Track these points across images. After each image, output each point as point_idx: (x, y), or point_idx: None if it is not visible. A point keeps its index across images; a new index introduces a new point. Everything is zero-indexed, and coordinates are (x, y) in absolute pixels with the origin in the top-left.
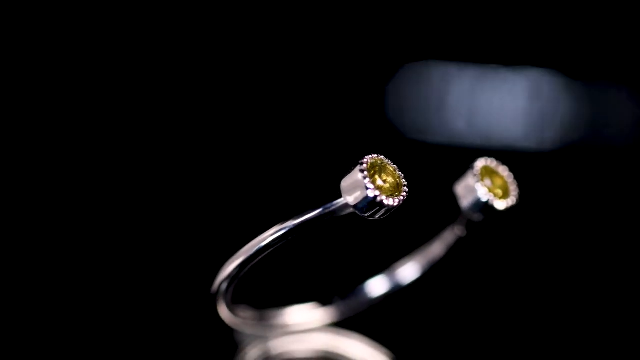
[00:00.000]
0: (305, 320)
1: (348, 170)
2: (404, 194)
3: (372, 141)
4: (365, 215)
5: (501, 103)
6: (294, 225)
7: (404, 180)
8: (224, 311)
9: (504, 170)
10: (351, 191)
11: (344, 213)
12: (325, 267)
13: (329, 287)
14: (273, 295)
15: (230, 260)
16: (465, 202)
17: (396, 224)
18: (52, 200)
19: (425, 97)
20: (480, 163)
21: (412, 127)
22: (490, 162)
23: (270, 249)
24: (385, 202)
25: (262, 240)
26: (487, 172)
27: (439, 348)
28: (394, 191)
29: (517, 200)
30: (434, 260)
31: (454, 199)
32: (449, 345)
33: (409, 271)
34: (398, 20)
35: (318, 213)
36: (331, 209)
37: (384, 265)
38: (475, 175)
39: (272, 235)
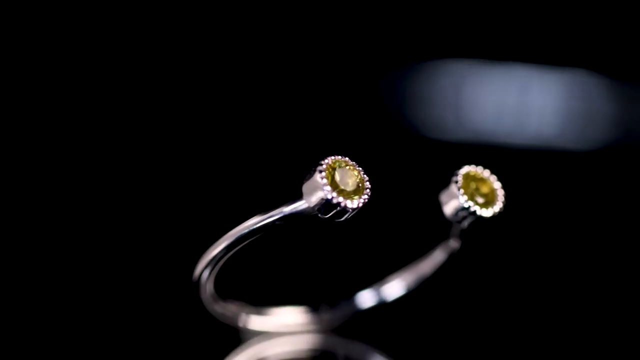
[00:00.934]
0: (289, 322)
1: (309, 171)
2: (366, 196)
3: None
4: (326, 217)
5: (538, 102)
6: (253, 226)
7: (367, 182)
8: (206, 300)
9: (491, 178)
10: (310, 193)
11: (307, 214)
12: (327, 272)
13: (325, 292)
14: (264, 294)
15: (210, 249)
16: (447, 209)
17: (410, 225)
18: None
19: (457, 96)
20: (463, 170)
21: (437, 125)
22: (477, 169)
23: (235, 249)
24: (343, 203)
25: (229, 237)
26: (472, 179)
27: (433, 350)
28: (355, 193)
29: (502, 208)
30: (423, 278)
31: None
32: (443, 348)
33: (395, 288)
34: (422, 18)
35: (278, 214)
36: (292, 210)
37: (390, 270)
38: (457, 182)
39: (233, 235)
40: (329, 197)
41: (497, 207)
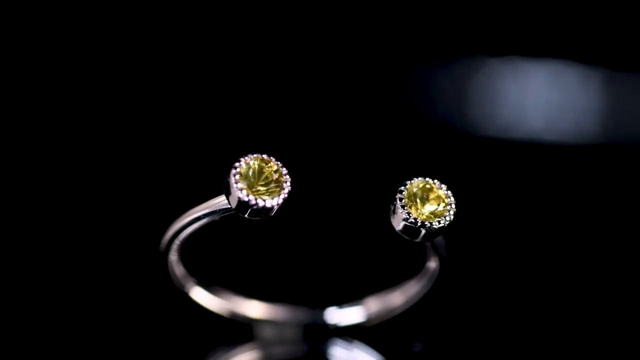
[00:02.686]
0: (246, 314)
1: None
2: (284, 195)
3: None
4: (246, 216)
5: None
6: (189, 217)
7: (287, 183)
8: (172, 272)
9: (441, 189)
10: (228, 193)
11: (230, 212)
12: (330, 273)
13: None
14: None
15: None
16: (394, 223)
17: None
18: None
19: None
20: (410, 183)
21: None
22: (427, 181)
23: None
24: (254, 202)
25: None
26: (421, 191)
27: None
28: (273, 192)
29: (450, 221)
30: (390, 309)
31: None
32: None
33: (354, 314)
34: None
35: (202, 210)
36: (215, 209)
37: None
38: (401, 191)
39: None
40: (240, 196)
41: (444, 220)
